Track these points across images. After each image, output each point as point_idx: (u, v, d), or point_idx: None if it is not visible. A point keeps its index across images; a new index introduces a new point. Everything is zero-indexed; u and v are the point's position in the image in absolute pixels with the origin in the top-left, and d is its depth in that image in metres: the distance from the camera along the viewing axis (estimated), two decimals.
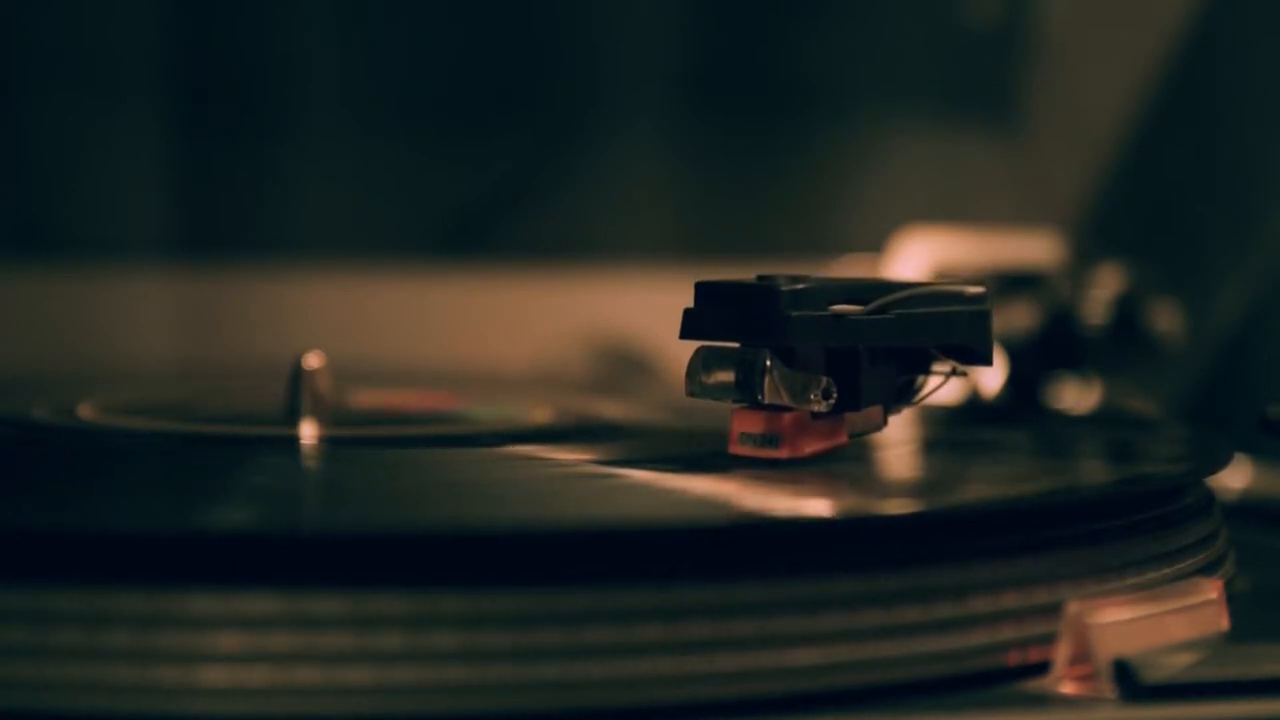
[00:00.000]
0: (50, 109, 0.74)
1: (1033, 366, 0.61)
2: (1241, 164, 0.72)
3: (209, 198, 0.75)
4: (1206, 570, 0.39)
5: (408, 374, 0.67)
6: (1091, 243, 0.69)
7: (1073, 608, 0.34)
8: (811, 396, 0.39)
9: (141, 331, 0.74)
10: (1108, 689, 0.33)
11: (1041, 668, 0.34)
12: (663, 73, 0.78)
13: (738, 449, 0.40)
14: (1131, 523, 0.38)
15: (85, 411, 0.50)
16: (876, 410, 0.41)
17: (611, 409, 0.53)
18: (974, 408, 0.58)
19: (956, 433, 0.51)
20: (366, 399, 0.54)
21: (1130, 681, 0.33)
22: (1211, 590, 0.37)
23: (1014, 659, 0.34)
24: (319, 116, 0.76)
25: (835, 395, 0.40)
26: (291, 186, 0.76)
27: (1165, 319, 0.62)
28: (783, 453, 0.39)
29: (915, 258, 0.65)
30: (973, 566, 0.34)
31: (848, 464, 0.41)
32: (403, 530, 0.33)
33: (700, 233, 0.79)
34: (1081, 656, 0.34)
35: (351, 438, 0.47)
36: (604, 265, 0.78)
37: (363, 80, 0.77)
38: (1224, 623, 0.36)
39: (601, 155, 0.78)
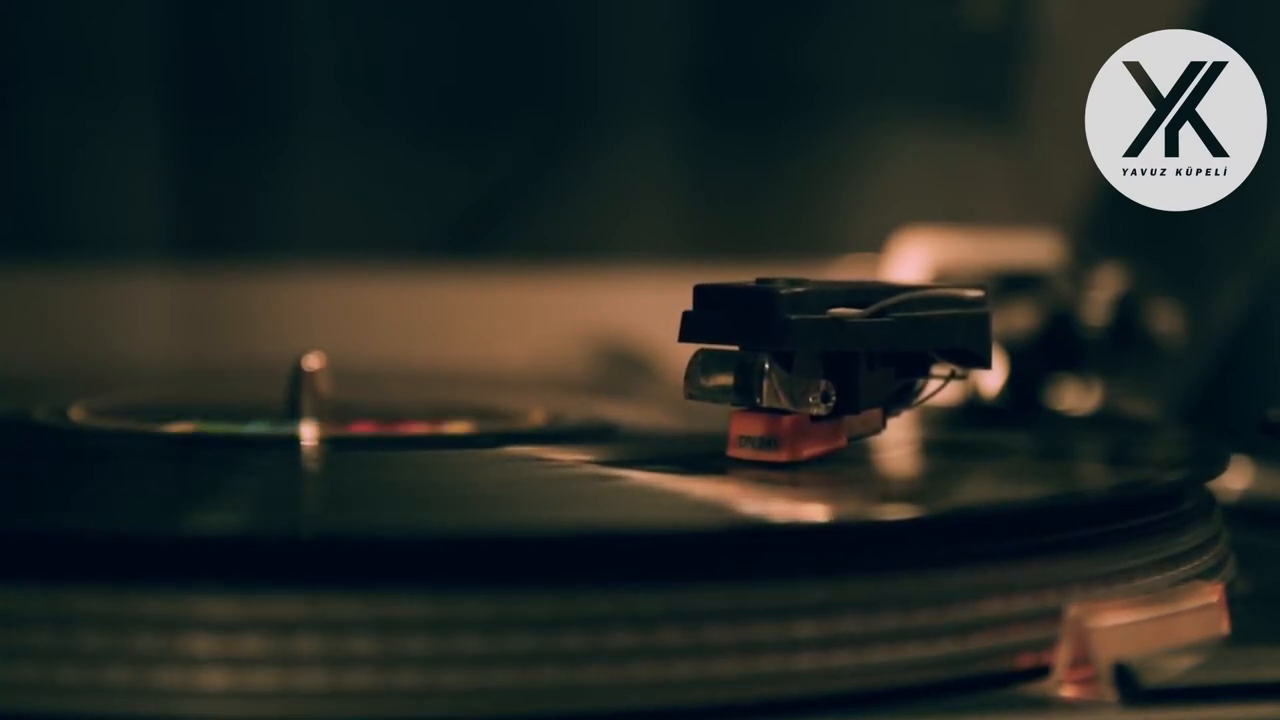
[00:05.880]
0: (50, 109, 0.74)
1: (1033, 367, 0.61)
2: None
3: (209, 198, 0.75)
4: (1207, 573, 0.39)
5: (408, 374, 0.67)
6: (1091, 243, 0.69)
7: (1073, 611, 0.34)
8: (810, 400, 0.39)
9: (141, 331, 0.74)
10: (1108, 692, 0.33)
11: (1042, 671, 0.34)
12: (663, 73, 0.78)
13: (736, 452, 0.40)
14: (1132, 526, 0.38)
15: (84, 412, 0.50)
16: (875, 413, 0.41)
17: (611, 409, 0.53)
18: (974, 409, 0.58)
19: (956, 434, 0.51)
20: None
21: (1131, 685, 0.33)
22: (1212, 593, 0.37)
23: (1014, 662, 0.34)
24: (319, 116, 0.76)
25: (834, 398, 0.40)
26: (291, 186, 0.76)
27: (1165, 319, 0.62)
28: (781, 456, 0.39)
29: (915, 258, 0.65)
30: (972, 570, 0.34)
31: (847, 467, 0.41)
32: (405, 532, 0.33)
33: (701, 233, 0.78)
34: (1082, 660, 0.34)
35: (352, 438, 0.47)
36: (604, 265, 0.78)
37: (363, 80, 0.77)
38: (1225, 626, 0.36)
39: (602, 155, 0.78)
